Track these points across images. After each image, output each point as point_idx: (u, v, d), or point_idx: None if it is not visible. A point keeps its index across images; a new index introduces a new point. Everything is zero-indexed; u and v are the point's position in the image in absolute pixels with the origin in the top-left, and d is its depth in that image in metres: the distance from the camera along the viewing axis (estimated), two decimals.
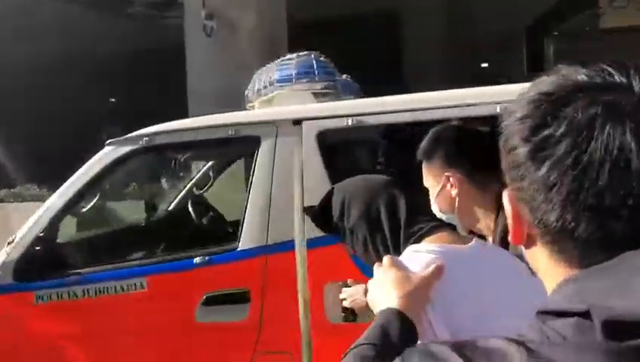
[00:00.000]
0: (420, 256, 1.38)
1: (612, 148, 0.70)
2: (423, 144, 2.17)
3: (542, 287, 0.82)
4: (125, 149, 3.31)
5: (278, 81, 3.46)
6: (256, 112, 3.40)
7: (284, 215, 3.06)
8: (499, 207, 1.91)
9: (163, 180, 5.26)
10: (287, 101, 3.36)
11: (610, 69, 0.75)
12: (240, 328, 3.11)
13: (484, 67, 17.01)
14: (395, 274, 1.29)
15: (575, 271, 0.75)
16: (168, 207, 4.78)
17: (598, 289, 0.69)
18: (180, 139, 3.34)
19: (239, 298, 3.11)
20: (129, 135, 3.35)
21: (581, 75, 0.75)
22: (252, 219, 3.12)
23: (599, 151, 0.71)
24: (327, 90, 3.33)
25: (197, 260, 3.18)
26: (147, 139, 3.29)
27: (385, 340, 1.18)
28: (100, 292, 3.29)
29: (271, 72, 3.56)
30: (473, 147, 2.10)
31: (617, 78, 0.74)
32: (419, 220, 1.52)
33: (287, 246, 3.04)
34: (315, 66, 3.36)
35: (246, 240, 3.12)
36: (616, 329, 0.65)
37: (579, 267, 0.75)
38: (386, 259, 1.35)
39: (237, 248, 3.15)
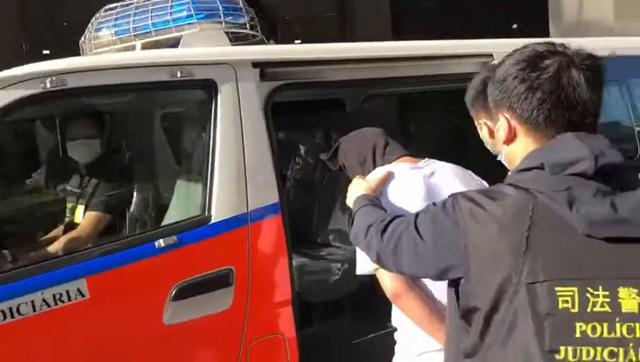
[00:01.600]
0: (376, 171, 2.08)
1: (570, 79, 1.30)
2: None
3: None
4: (17, 94, 2.10)
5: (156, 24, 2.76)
6: (201, 50, 2.59)
7: (263, 174, 2.50)
8: None
9: None
10: (195, 43, 2.70)
11: (554, 43, 1.37)
12: (223, 320, 2.40)
13: None
14: (358, 181, 1.97)
15: (539, 145, 1.33)
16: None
17: (548, 152, 1.29)
18: (103, 81, 2.29)
19: (220, 282, 2.40)
20: (14, 71, 2.15)
21: (544, 46, 1.35)
22: (225, 182, 2.44)
23: (565, 81, 1.31)
24: (248, 32, 2.82)
25: (161, 243, 2.30)
26: (53, 79, 2.16)
27: (372, 202, 1.76)
28: (11, 314, 2.02)
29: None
30: None
31: (558, 48, 1.35)
32: (391, 154, 2.16)
33: (272, 209, 2.51)
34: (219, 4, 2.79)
35: (220, 210, 2.42)
36: (554, 167, 1.26)
37: (542, 142, 1.33)
38: (355, 177, 2.04)
39: (210, 221, 2.41)
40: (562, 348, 1.20)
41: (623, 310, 1.19)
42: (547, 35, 9.47)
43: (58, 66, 2.23)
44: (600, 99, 1.35)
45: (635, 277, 1.20)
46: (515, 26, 15.72)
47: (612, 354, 1.19)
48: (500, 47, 2.76)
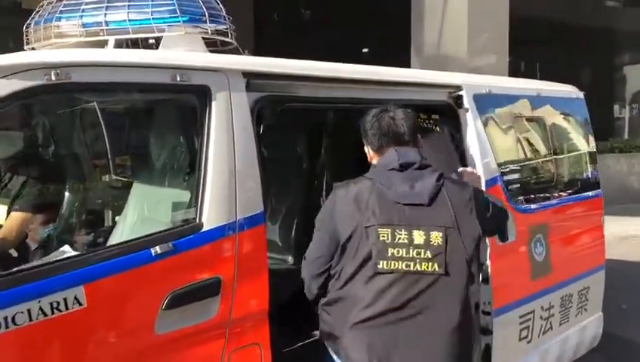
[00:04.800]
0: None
1: (385, 123, 2.36)
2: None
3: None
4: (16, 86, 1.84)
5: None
6: (196, 56, 2.40)
7: (251, 182, 2.41)
8: None
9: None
10: (176, 46, 2.54)
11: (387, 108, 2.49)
12: (208, 329, 2.27)
13: None
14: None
15: (380, 156, 2.37)
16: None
17: (382, 160, 2.35)
18: (108, 78, 2.05)
19: (209, 291, 2.27)
20: (12, 58, 1.87)
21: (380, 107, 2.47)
22: (217, 189, 2.30)
23: (382, 124, 2.36)
24: (224, 39, 2.69)
25: (157, 249, 2.12)
26: (57, 72, 1.92)
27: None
28: (6, 325, 1.76)
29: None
30: None
31: (388, 107, 2.45)
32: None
33: (257, 219, 2.42)
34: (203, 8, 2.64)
35: (212, 217, 2.28)
36: (382, 167, 2.35)
37: (382, 155, 2.37)
38: None
39: (201, 228, 2.26)
40: (381, 261, 2.18)
41: (415, 242, 2.19)
42: (408, 64, 10.02)
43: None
44: (410, 129, 2.37)
45: (422, 225, 2.20)
46: (365, 50, 16.43)
47: (407, 266, 2.17)
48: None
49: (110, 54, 2.29)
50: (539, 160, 3.92)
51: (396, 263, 2.17)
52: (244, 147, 2.40)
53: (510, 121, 3.72)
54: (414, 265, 2.17)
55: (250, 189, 2.41)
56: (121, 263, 2.06)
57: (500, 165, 3.52)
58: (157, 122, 2.50)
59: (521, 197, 3.69)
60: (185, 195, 2.40)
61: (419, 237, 2.18)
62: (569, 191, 4.11)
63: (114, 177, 2.88)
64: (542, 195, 3.85)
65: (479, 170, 3.35)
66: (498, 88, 3.67)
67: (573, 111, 4.36)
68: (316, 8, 16.12)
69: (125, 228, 2.46)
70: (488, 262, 3.34)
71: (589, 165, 4.39)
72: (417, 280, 2.17)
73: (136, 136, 2.65)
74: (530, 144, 3.89)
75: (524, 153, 3.81)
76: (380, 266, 2.17)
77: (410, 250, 2.17)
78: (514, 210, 3.54)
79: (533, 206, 3.75)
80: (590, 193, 4.30)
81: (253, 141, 2.44)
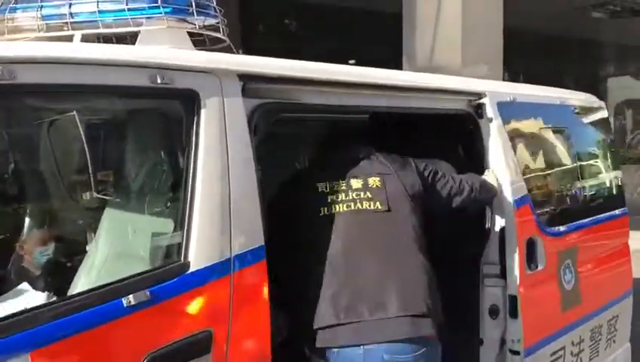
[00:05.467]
0: None
1: None
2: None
3: None
4: None
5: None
6: (181, 54, 1.92)
7: (249, 208, 1.92)
8: None
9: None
10: (155, 42, 2.06)
11: None
12: None
13: None
14: None
15: None
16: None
17: None
18: (66, 79, 1.56)
19: (198, 349, 1.77)
20: None
21: None
22: (206, 217, 1.82)
23: None
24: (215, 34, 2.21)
25: (131, 300, 1.62)
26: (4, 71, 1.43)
27: None
28: None
29: None
30: None
31: None
32: None
33: (257, 254, 1.93)
34: None
35: (201, 254, 1.79)
36: None
37: None
38: None
39: (187, 269, 1.77)
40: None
41: (353, 187, 2.27)
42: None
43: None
44: None
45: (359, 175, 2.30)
46: (352, 61, 16.09)
47: (348, 206, 2.25)
48: None
49: (69, 49, 1.79)
50: (566, 176, 3.48)
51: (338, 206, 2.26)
52: (240, 166, 1.91)
53: (536, 133, 3.28)
54: (354, 205, 2.25)
55: (249, 218, 1.92)
56: (83, 319, 1.56)
57: (527, 182, 3.07)
58: (132, 134, 2.00)
59: (549, 219, 3.24)
60: (167, 225, 1.91)
61: (356, 184, 2.28)
62: (597, 211, 3.66)
63: (82, 200, 2.38)
64: (570, 216, 3.41)
65: (506, 189, 2.91)
66: (522, 96, 3.23)
67: (596, 122, 3.93)
68: (302, 18, 15.72)
69: (94, 267, 1.96)
70: (517, 294, 2.89)
71: (614, 180, 3.96)
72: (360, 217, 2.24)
73: (107, 152, 2.15)
74: (556, 158, 3.45)
75: (552, 168, 3.36)
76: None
77: (349, 193, 2.28)
78: (543, 234, 3.09)
79: (562, 228, 3.30)
80: (617, 211, 3.87)
81: (252, 159, 1.96)
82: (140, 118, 1.96)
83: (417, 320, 2.15)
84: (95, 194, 1.86)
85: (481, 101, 2.93)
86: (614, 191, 3.95)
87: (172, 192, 1.93)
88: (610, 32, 17.84)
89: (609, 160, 3.93)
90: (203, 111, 1.85)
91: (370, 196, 2.25)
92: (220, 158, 1.87)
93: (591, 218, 3.56)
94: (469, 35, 9.37)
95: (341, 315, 2.13)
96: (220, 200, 1.86)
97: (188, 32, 2.18)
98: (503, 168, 2.92)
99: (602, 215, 3.69)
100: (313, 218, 2.24)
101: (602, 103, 4.01)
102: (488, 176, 2.82)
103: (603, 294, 3.61)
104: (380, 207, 2.24)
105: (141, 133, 1.96)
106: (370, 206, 2.24)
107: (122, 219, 2.14)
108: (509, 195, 2.90)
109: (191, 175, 1.82)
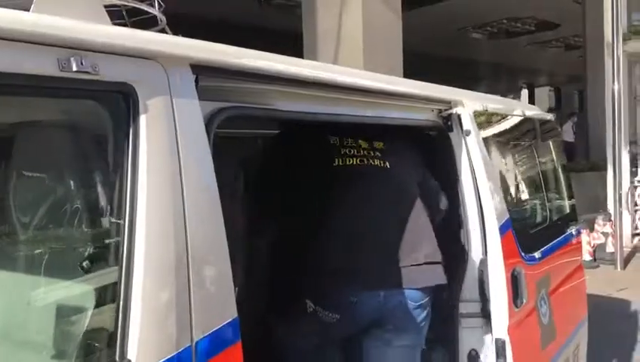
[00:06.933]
0: None
1: None
2: None
3: None
4: None
5: None
6: (108, 29, 1.18)
7: (216, 263, 1.24)
8: None
9: None
10: (53, 12, 1.33)
11: None
12: None
13: None
14: None
15: None
16: None
17: None
18: None
19: None
20: None
21: None
22: (151, 285, 1.11)
23: None
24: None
25: None
26: None
27: None
28: None
29: None
30: None
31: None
32: None
33: (228, 336, 1.24)
34: None
35: (145, 346, 1.08)
36: None
37: None
38: None
39: None
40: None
41: (362, 146, 2.30)
42: None
43: None
44: None
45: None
46: None
47: (361, 161, 2.27)
48: None
49: None
50: (535, 194, 3.05)
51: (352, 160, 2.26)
52: (202, 203, 1.23)
53: (509, 148, 2.82)
54: (362, 161, 2.27)
55: (216, 279, 1.24)
56: None
57: (507, 205, 2.59)
58: (29, 149, 1.23)
59: (526, 245, 2.77)
60: (86, 297, 1.18)
61: (364, 144, 2.31)
62: (561, 230, 3.27)
63: None
64: (542, 239, 2.97)
65: (489, 214, 2.41)
66: (492, 107, 2.75)
67: (551, 136, 3.57)
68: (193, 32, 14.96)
69: None
70: (507, 337, 2.38)
71: (567, 196, 3.61)
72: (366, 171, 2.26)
73: None
74: (527, 176, 3.01)
75: (525, 187, 2.92)
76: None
77: (360, 150, 2.29)
78: (524, 263, 2.62)
79: (537, 254, 2.85)
80: (574, 230, 3.50)
81: (216, 190, 1.28)
82: (45, 123, 1.22)
83: (440, 269, 2.22)
84: None
85: (454, 111, 2.43)
86: (570, 209, 3.60)
87: (93, 244, 1.20)
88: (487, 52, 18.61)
89: (564, 176, 3.57)
90: (142, 117, 1.15)
91: (379, 155, 2.30)
92: (171, 192, 1.18)
93: (557, 239, 3.16)
94: (371, 49, 9.09)
95: (360, 262, 2.13)
96: (174, 258, 1.16)
97: (107, 9, 1.46)
98: (485, 189, 2.42)
99: (565, 234, 3.31)
100: (327, 167, 2.25)
101: (552, 116, 3.67)
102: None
103: (570, 323, 3.22)
104: (388, 166, 2.28)
105: (43, 146, 1.21)
106: (380, 164, 2.28)
107: (8, 283, 1.37)
108: (493, 221, 2.40)
109: (126, 221, 1.11)
